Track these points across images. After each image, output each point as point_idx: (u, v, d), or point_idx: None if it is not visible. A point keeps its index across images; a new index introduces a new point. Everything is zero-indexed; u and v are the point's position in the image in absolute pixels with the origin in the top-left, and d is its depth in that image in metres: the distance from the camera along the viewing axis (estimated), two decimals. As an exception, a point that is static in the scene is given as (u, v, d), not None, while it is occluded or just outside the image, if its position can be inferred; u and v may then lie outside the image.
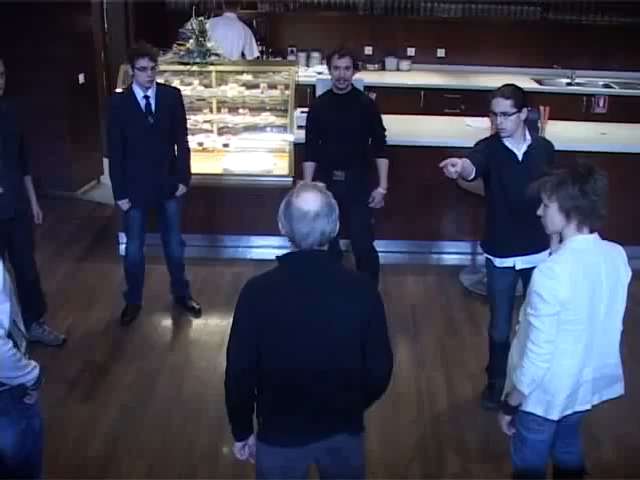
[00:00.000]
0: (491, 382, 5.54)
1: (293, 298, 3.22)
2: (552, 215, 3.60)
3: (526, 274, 4.06)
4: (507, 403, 3.85)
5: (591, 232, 3.60)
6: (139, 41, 6.31)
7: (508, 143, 4.99)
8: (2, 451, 3.80)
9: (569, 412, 3.79)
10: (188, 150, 6.45)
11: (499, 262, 5.21)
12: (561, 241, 3.68)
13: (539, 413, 3.77)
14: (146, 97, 6.07)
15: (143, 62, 5.91)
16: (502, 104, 4.82)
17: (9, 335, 3.51)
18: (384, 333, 3.42)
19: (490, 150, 5.08)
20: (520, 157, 4.99)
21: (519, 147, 4.98)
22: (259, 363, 3.25)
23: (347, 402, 3.41)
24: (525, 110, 4.89)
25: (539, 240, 3.81)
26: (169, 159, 6.31)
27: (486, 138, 5.28)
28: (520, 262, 5.09)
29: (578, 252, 3.57)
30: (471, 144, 7.13)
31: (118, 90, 7.17)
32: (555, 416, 3.76)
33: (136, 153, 6.13)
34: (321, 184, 3.32)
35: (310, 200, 3.17)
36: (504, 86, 4.94)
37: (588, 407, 3.84)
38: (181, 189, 6.32)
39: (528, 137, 5.01)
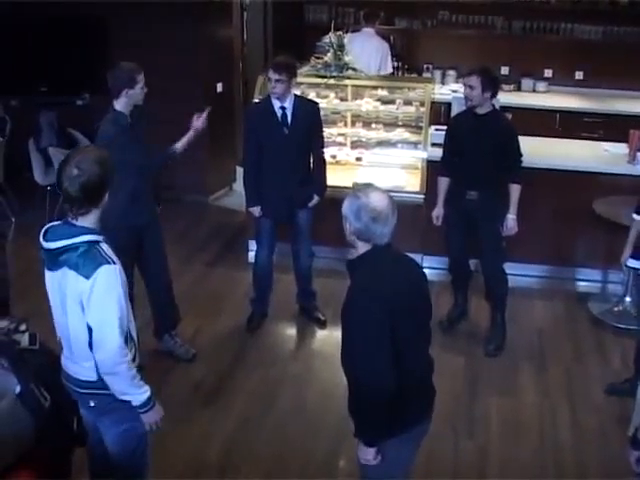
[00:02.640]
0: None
1: (401, 284, 3.50)
2: None
3: None
4: (637, 438, 3.74)
5: None
6: (283, 54, 6.39)
7: None
8: (107, 449, 3.90)
9: None
10: (324, 162, 6.50)
11: (629, 261, 5.47)
12: None
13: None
14: (282, 108, 6.15)
15: (269, 73, 6.05)
16: None
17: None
18: None
19: None
20: None
21: None
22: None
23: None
24: None
25: None
26: (303, 171, 6.36)
27: None
28: None
29: None
30: (608, 170, 7.09)
31: (255, 100, 7.30)
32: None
33: (270, 163, 6.21)
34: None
35: (381, 200, 3.44)
36: None
37: None
38: (315, 200, 6.37)
39: None
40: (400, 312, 3.43)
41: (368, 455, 3.60)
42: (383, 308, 3.37)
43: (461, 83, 6.04)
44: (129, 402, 3.69)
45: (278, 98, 6.11)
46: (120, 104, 5.49)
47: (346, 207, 3.48)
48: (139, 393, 3.69)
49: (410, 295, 3.54)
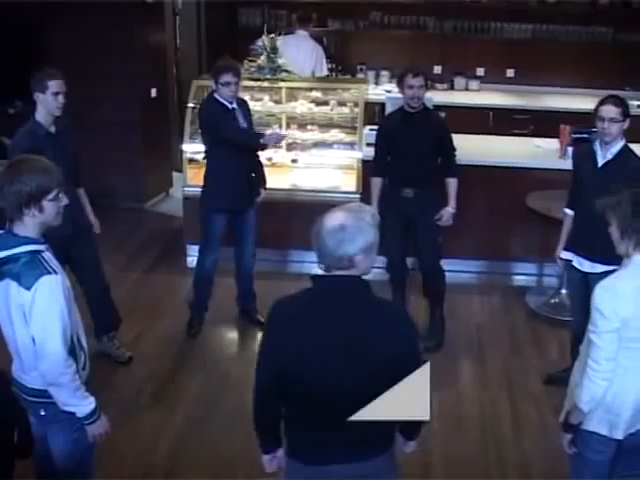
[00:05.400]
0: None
1: (316, 323, 3.12)
2: (613, 232, 3.65)
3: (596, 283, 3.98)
4: (568, 422, 3.83)
5: None
6: (224, 56, 6.39)
7: (597, 146, 5.26)
8: (52, 456, 3.88)
9: (633, 430, 3.75)
10: (260, 161, 6.63)
11: (562, 253, 5.55)
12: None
13: (603, 433, 3.74)
14: (233, 109, 6.21)
15: (227, 77, 6.01)
16: (613, 111, 5.09)
17: (70, 351, 3.60)
18: (418, 363, 3.25)
19: (579, 150, 5.77)
20: (600, 163, 5.24)
21: (604, 154, 5.22)
22: (285, 381, 3.18)
23: (375, 429, 3.21)
24: (628, 120, 5.16)
25: (607, 251, 3.83)
26: (252, 167, 6.46)
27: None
28: (587, 266, 5.34)
29: (639, 269, 3.57)
30: (540, 165, 7.22)
31: (190, 105, 7.32)
32: (619, 435, 3.72)
33: (231, 158, 6.21)
34: (369, 207, 3.26)
35: (337, 218, 3.06)
36: (613, 96, 5.22)
37: None
38: (263, 194, 6.51)
39: (615, 150, 5.20)
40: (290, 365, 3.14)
41: (263, 459, 3.57)
42: (270, 340, 3.25)
43: (404, 85, 6.05)
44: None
45: (230, 101, 6.16)
46: (39, 113, 5.43)
47: None
48: (83, 405, 3.68)
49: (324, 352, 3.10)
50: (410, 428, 3.56)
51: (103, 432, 3.82)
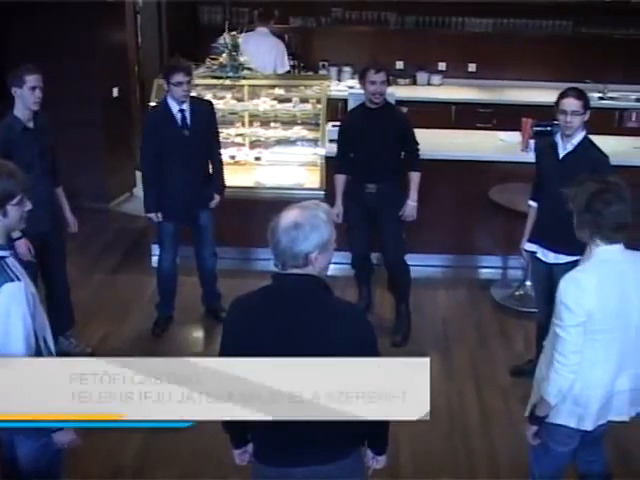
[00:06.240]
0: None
1: (272, 322, 3.10)
2: (575, 224, 3.68)
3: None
4: (533, 413, 3.86)
5: (616, 243, 3.62)
6: (174, 56, 6.38)
7: (558, 139, 5.32)
8: (19, 463, 3.84)
9: (602, 422, 3.79)
10: (221, 162, 6.52)
11: (527, 245, 5.60)
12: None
13: (572, 425, 3.77)
14: (181, 111, 6.12)
15: (179, 77, 5.96)
16: (574, 104, 5.15)
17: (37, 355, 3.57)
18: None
19: (541, 142, 5.93)
20: (561, 155, 5.29)
21: (565, 146, 5.27)
22: None
23: (338, 430, 3.16)
24: (588, 112, 5.21)
25: (571, 242, 3.87)
26: (204, 172, 6.36)
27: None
28: (551, 257, 5.39)
29: (602, 262, 3.60)
30: (503, 158, 7.27)
31: (152, 104, 7.24)
32: (589, 427, 3.76)
33: (172, 168, 6.16)
34: (324, 205, 3.21)
35: (292, 216, 3.04)
36: (573, 88, 5.27)
37: (625, 419, 3.84)
38: (216, 199, 6.38)
39: (576, 141, 5.25)
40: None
41: (234, 453, 3.61)
42: (227, 339, 3.25)
43: (365, 81, 6.06)
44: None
45: (182, 101, 6.09)
46: (17, 108, 5.45)
47: None
48: None
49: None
50: (379, 442, 3.48)
51: (69, 440, 3.76)
